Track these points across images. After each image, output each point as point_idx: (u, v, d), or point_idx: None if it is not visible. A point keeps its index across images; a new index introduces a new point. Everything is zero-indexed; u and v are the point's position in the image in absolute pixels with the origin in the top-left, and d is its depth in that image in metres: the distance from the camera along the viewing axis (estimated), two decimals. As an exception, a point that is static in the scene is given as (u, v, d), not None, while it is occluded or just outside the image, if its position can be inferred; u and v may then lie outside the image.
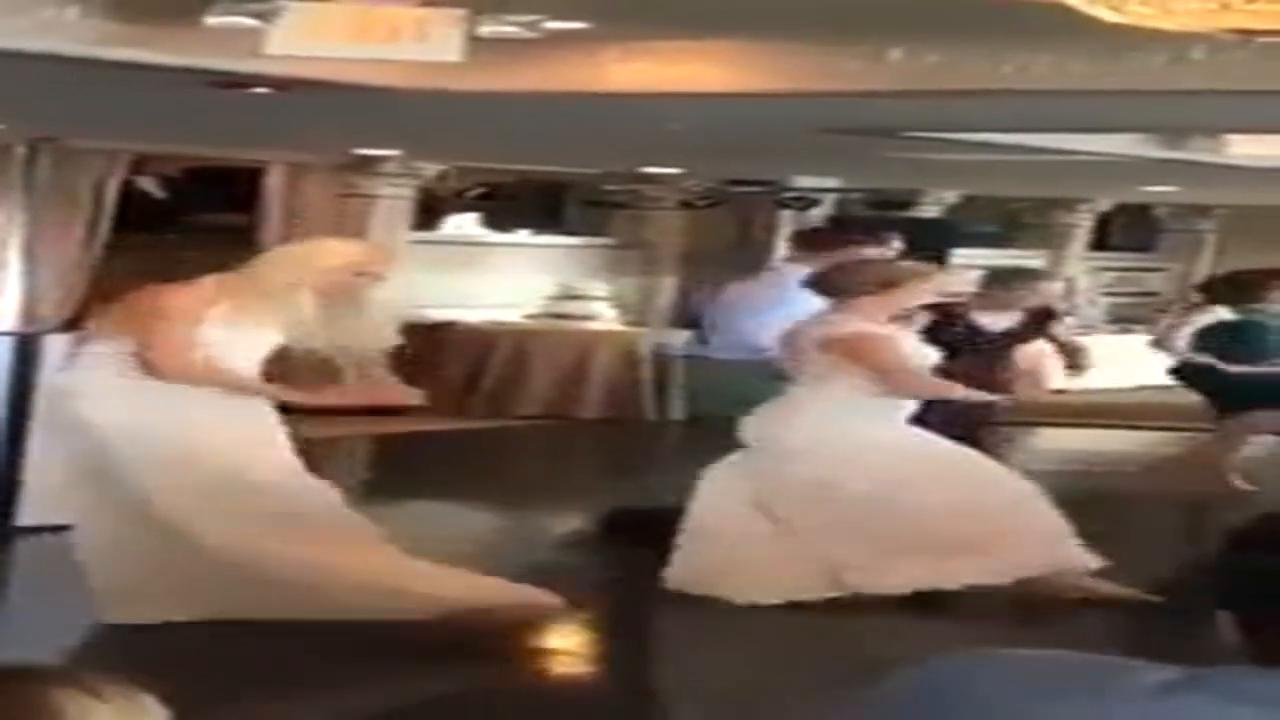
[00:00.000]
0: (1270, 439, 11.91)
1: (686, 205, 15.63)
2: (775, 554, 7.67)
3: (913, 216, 16.70)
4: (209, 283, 6.83)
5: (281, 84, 7.44)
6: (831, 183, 15.66)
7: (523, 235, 16.36)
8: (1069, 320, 14.46)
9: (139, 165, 14.14)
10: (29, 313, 12.92)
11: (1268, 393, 11.14)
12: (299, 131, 11.40)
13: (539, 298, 15.56)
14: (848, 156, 12.17)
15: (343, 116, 9.70)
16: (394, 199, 14.29)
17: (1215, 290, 11.92)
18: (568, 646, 7.17)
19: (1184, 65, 6.89)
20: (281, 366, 7.13)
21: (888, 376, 7.79)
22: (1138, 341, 17.03)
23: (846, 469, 7.69)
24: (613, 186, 15.69)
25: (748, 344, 8.99)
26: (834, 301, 8.05)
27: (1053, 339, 9.88)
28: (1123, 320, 18.23)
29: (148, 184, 15.05)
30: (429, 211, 15.21)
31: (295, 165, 14.03)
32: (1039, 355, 9.84)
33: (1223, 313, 11.43)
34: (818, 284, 8.29)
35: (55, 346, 7.83)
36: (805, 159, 13.47)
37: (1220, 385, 11.30)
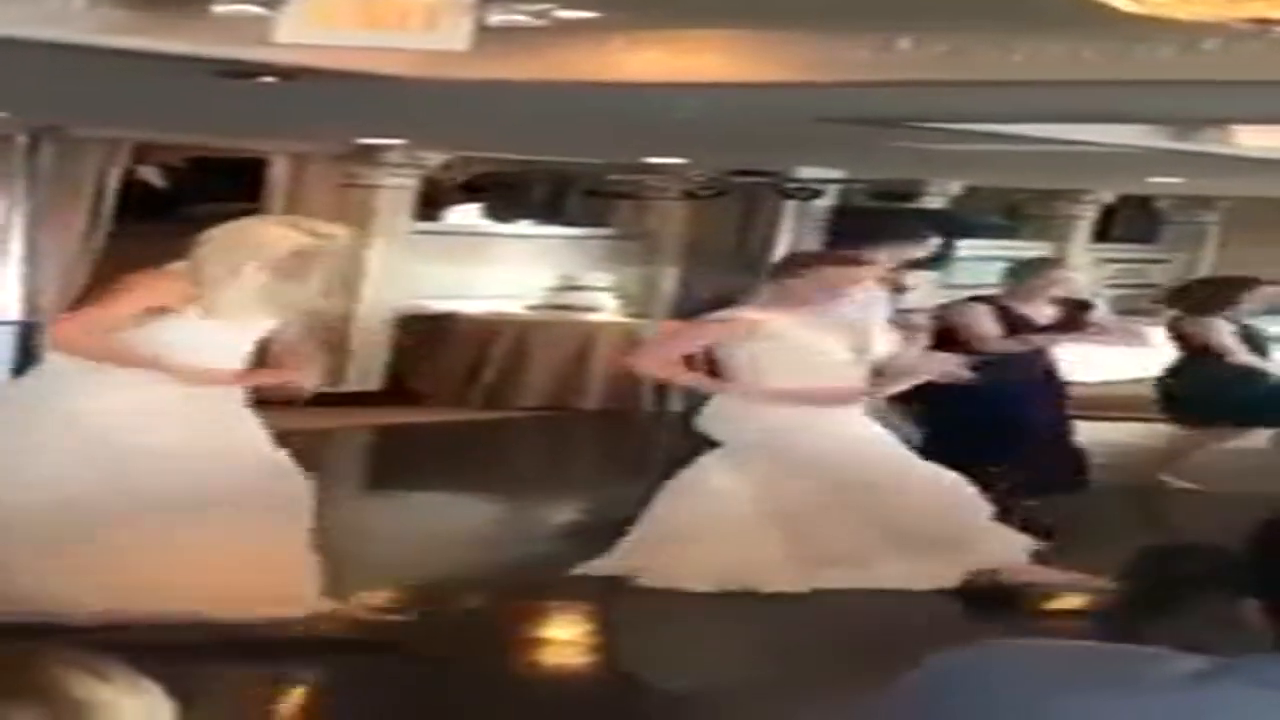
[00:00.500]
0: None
1: (690, 195, 15.61)
2: (735, 545, 7.65)
3: (916, 208, 16.68)
4: (172, 270, 6.79)
5: (288, 73, 7.41)
6: (835, 173, 15.63)
7: (524, 226, 16.33)
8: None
9: (142, 154, 14.11)
10: (31, 302, 12.90)
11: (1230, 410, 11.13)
12: (304, 120, 11.39)
13: (541, 288, 15.53)
14: (853, 146, 12.15)
15: (348, 105, 9.68)
16: (397, 189, 14.27)
17: (1179, 300, 11.90)
18: (535, 634, 7.20)
19: (1196, 55, 6.87)
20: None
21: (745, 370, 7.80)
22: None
23: (791, 461, 7.69)
24: (616, 177, 15.67)
25: None
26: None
27: (1099, 326, 10.06)
28: (1124, 313, 18.20)
29: (150, 173, 15.02)
30: (431, 202, 15.18)
31: (299, 155, 14.01)
32: None
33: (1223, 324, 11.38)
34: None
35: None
36: (810, 149, 13.45)
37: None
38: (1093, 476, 10.12)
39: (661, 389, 14.25)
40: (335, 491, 11.20)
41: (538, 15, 6.60)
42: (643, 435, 13.62)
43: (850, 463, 7.69)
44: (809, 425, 7.67)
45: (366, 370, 14.31)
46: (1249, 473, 10.83)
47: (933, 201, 16.98)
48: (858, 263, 8.26)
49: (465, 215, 16.29)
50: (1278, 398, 11.29)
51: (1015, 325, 9.70)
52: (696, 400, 9.34)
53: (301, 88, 7.88)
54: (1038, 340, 9.70)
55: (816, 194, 15.53)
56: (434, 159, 14.37)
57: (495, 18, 6.51)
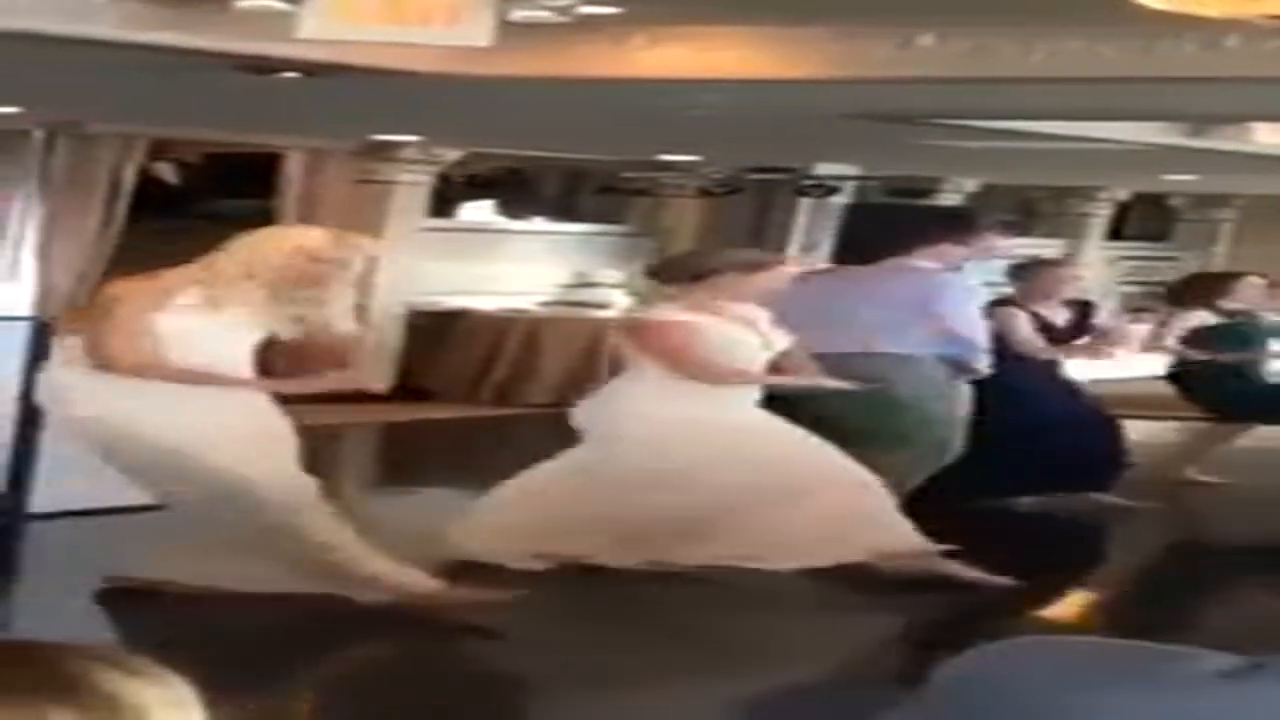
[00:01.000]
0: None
1: (705, 193, 15.60)
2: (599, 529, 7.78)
3: (931, 205, 16.68)
4: (171, 275, 6.79)
5: (310, 68, 7.41)
6: (851, 170, 15.62)
7: (538, 222, 16.33)
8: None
9: (158, 150, 14.12)
10: (45, 297, 12.92)
11: (1255, 405, 11.12)
12: (324, 116, 11.39)
13: (554, 285, 15.53)
14: (869, 143, 12.15)
15: (369, 101, 9.68)
16: (411, 185, 14.27)
17: (1181, 294, 11.88)
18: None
19: (1217, 52, 6.87)
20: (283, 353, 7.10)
21: (679, 364, 7.85)
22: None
23: (664, 451, 7.76)
24: (630, 174, 15.66)
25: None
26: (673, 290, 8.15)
27: (1099, 330, 10.07)
28: (1138, 310, 18.19)
29: (165, 169, 15.03)
30: (445, 198, 15.19)
31: (314, 151, 14.02)
32: None
33: (1205, 315, 11.38)
34: (654, 274, 8.47)
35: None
36: (828, 146, 13.45)
37: (1211, 392, 11.22)
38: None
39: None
40: (346, 488, 11.23)
41: (560, 11, 6.60)
42: None
43: (747, 449, 7.80)
44: (697, 417, 7.78)
45: (377, 366, 14.31)
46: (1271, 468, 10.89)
47: (948, 199, 16.98)
48: (776, 264, 8.36)
49: (479, 212, 16.29)
50: (1268, 393, 11.26)
51: (1041, 329, 9.72)
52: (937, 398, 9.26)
53: (323, 83, 7.89)
54: (1068, 350, 9.70)
55: (832, 191, 15.53)
56: (449, 155, 14.37)
57: (517, 13, 6.51)
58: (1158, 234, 20.15)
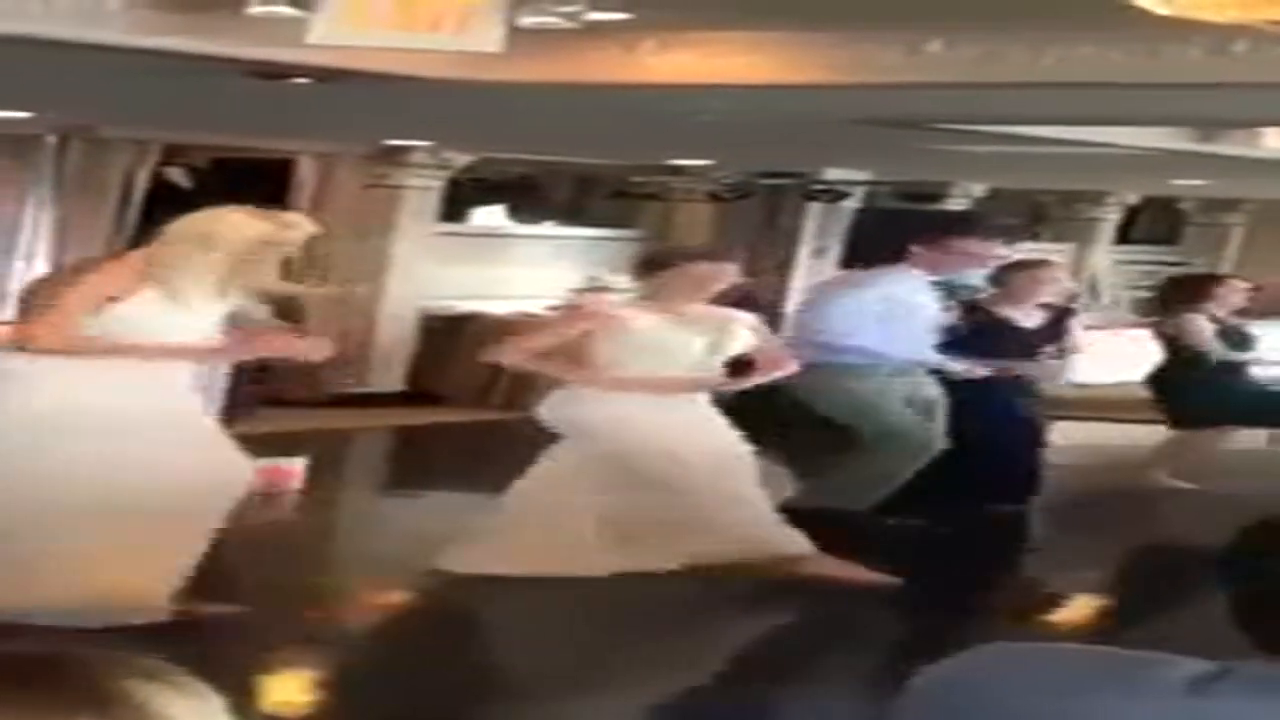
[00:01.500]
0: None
1: (714, 197, 15.61)
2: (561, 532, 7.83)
3: (940, 209, 16.69)
4: (128, 258, 6.85)
5: (321, 74, 7.44)
6: (860, 175, 15.63)
7: (548, 227, 16.35)
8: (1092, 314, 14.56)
9: (170, 155, 14.15)
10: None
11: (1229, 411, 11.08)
12: (334, 122, 11.41)
13: (564, 290, 15.54)
14: (878, 148, 12.15)
15: (379, 107, 9.70)
16: (422, 190, 14.30)
17: (1167, 298, 11.87)
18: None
19: (1226, 58, 6.87)
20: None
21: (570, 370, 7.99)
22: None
23: (634, 447, 7.84)
24: (640, 178, 15.67)
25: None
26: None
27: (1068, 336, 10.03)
28: (1147, 314, 18.18)
29: (176, 174, 15.04)
30: (456, 202, 15.21)
31: (324, 156, 14.05)
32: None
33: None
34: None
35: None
36: (837, 151, 13.45)
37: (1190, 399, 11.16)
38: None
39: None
40: (356, 491, 11.25)
41: (569, 17, 6.61)
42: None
43: (684, 452, 7.82)
44: (648, 416, 7.81)
45: (388, 371, 14.34)
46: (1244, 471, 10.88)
47: (956, 203, 16.98)
48: (723, 260, 8.37)
49: (489, 216, 16.31)
50: (1258, 396, 11.24)
51: (1000, 330, 9.64)
52: (842, 398, 9.35)
53: (333, 89, 7.91)
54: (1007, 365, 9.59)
55: (841, 196, 15.54)
56: (459, 160, 14.40)
57: (527, 19, 6.53)
58: (1167, 238, 20.13)
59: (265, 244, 6.71)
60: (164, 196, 14.07)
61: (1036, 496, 9.96)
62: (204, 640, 6.08)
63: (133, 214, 13.34)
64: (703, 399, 8.10)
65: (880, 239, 14.07)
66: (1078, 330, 10.25)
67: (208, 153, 14.93)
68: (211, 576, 6.93)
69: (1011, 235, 9.69)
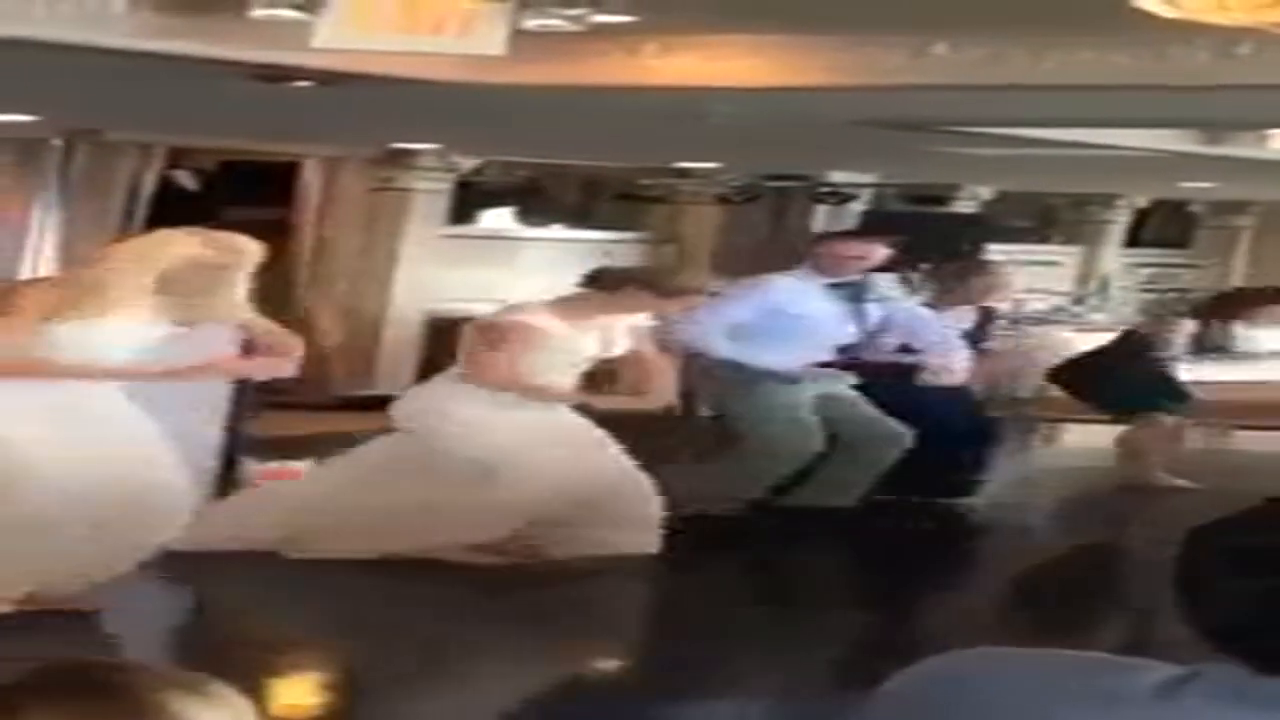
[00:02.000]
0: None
1: (722, 200, 15.61)
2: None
3: (948, 212, 16.69)
4: (60, 279, 6.85)
5: (325, 77, 7.44)
6: (868, 178, 15.63)
7: (556, 230, 16.34)
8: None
9: (176, 158, 14.16)
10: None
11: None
12: (339, 125, 11.42)
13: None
14: (885, 151, 12.15)
15: (383, 110, 9.71)
16: (429, 193, 14.30)
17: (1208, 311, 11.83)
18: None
19: (1230, 60, 6.87)
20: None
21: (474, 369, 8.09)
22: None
23: (482, 445, 7.89)
24: (647, 181, 15.67)
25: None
26: None
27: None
28: (1156, 317, 18.15)
29: (183, 177, 15.06)
30: (463, 205, 15.21)
31: (331, 159, 14.06)
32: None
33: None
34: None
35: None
36: (844, 154, 13.45)
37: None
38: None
39: (689, 393, 14.25)
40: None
41: (573, 20, 6.61)
42: (671, 438, 13.58)
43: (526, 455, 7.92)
44: (501, 419, 7.94)
45: (395, 373, 14.33)
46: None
47: (964, 206, 16.97)
48: (668, 296, 8.43)
49: (497, 219, 16.31)
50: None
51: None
52: (724, 404, 9.45)
53: (337, 92, 7.92)
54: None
55: (848, 198, 15.53)
56: (466, 163, 14.40)
57: (530, 22, 6.53)
58: (1177, 241, 20.10)
59: (202, 265, 6.65)
60: (171, 200, 14.10)
61: (975, 495, 9.97)
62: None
63: (140, 217, 13.35)
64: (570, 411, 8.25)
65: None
66: (995, 332, 10.27)
67: (213, 156, 14.95)
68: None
69: (888, 239, 9.74)
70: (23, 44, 6.83)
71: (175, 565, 7.04)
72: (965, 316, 9.81)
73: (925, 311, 9.74)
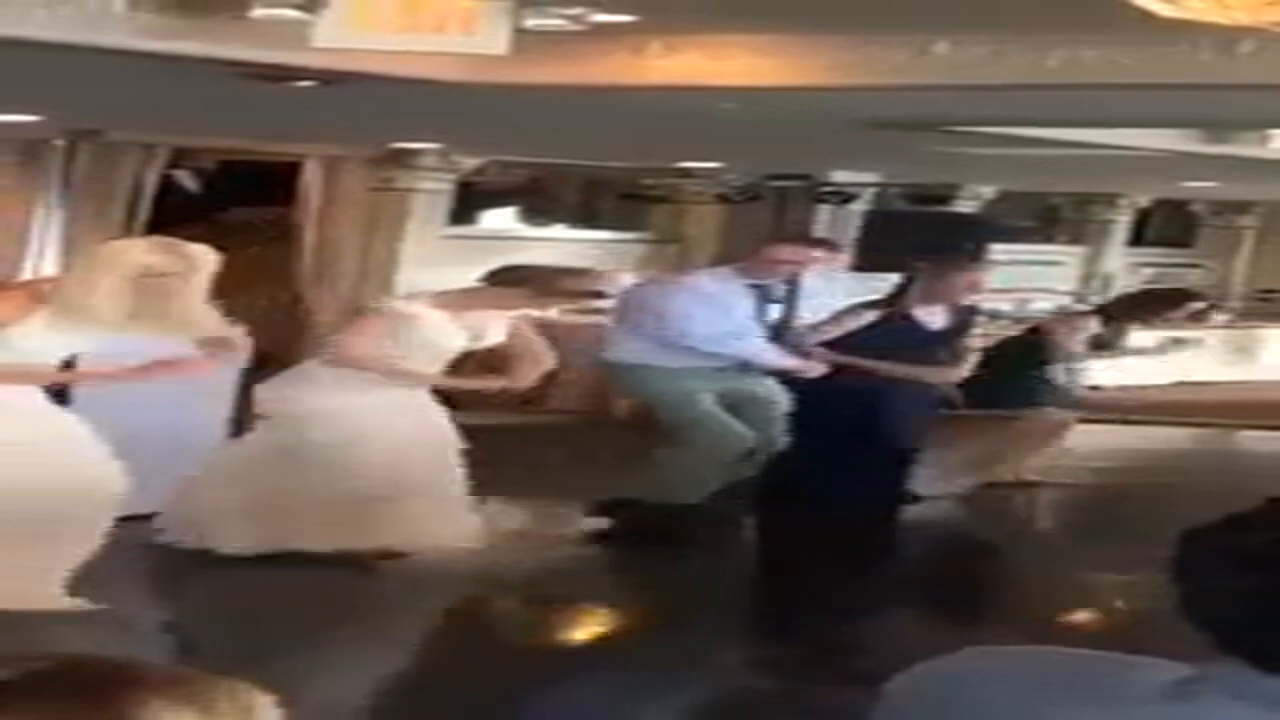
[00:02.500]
0: None
1: (724, 199, 15.60)
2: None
3: (949, 211, 16.69)
4: (19, 286, 6.96)
5: (326, 76, 7.44)
6: (870, 177, 15.62)
7: (558, 229, 16.34)
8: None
9: (178, 158, 14.16)
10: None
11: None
12: (340, 124, 11.42)
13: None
14: (887, 150, 12.15)
15: (385, 109, 9.70)
16: (430, 193, 14.30)
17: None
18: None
19: (1231, 59, 6.86)
20: None
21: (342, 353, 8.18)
22: (1173, 337, 17.14)
23: (346, 436, 7.98)
24: (650, 180, 15.67)
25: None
26: None
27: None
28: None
29: (184, 177, 15.08)
30: (466, 205, 15.21)
31: (332, 158, 14.05)
32: None
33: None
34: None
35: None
36: (846, 153, 13.44)
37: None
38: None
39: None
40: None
41: (574, 19, 6.61)
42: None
43: (378, 445, 8.01)
44: (354, 408, 8.01)
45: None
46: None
47: (967, 205, 16.96)
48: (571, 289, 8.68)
49: (499, 219, 16.30)
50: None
51: (903, 329, 9.69)
52: (649, 403, 9.50)
53: (338, 91, 7.91)
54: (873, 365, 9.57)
55: (850, 198, 15.52)
56: (468, 163, 14.39)
57: (531, 21, 6.52)
58: (1180, 240, 20.08)
59: (161, 273, 6.72)
60: (173, 200, 14.11)
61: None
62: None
63: (142, 217, 13.35)
64: (424, 394, 8.33)
65: (889, 241, 14.12)
66: (973, 333, 10.27)
67: (215, 156, 14.96)
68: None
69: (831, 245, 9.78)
70: (24, 44, 6.83)
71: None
72: (941, 314, 9.83)
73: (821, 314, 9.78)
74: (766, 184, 15.42)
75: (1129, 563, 9.76)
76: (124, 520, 7.18)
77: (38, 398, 6.88)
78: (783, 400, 9.30)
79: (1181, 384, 15.99)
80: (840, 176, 15.36)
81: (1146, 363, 14.10)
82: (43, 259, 13.13)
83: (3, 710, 1.45)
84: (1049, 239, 18.85)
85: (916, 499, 9.91)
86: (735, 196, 15.54)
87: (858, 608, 7.90)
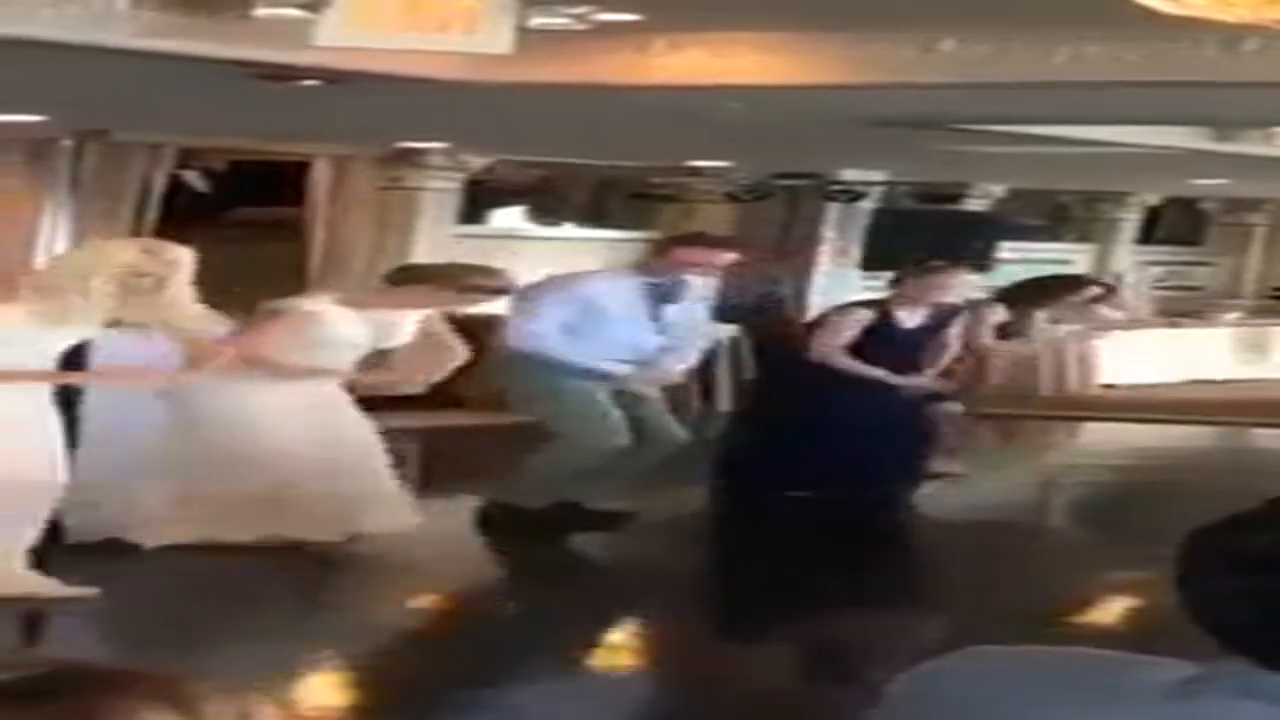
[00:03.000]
0: None
1: (732, 198, 15.59)
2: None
3: (957, 210, 16.68)
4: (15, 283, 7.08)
5: (329, 76, 7.45)
6: (878, 175, 15.61)
7: (567, 228, 16.34)
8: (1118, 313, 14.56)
9: (186, 158, 14.17)
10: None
11: None
12: (345, 123, 11.42)
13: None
14: (896, 149, 12.14)
15: (389, 109, 9.71)
16: (439, 192, 14.30)
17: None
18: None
19: (1237, 57, 6.85)
20: None
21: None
22: (1185, 336, 17.15)
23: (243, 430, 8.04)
24: (658, 179, 15.66)
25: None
26: None
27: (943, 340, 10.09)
28: (1170, 314, 18.16)
29: (193, 177, 15.08)
30: (475, 204, 15.21)
31: (340, 158, 14.06)
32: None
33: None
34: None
35: (100, 340, 7.96)
36: (853, 151, 13.44)
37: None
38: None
39: (707, 391, 14.26)
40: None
41: (579, 18, 6.61)
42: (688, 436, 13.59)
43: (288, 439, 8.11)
44: (263, 404, 8.08)
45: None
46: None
47: (976, 204, 16.95)
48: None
49: (508, 218, 16.30)
50: None
51: (881, 329, 9.73)
52: (530, 401, 9.50)
53: (343, 91, 7.92)
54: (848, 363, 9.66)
55: (859, 196, 15.51)
56: (476, 162, 14.39)
57: (536, 20, 6.53)
58: (1190, 238, 20.04)
59: (137, 272, 6.81)
60: (181, 199, 14.12)
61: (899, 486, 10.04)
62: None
63: (150, 217, 13.36)
64: (333, 390, 8.39)
65: (897, 239, 14.10)
66: (954, 334, 10.27)
67: (223, 156, 14.96)
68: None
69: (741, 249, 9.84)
70: (30, 44, 6.85)
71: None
72: (920, 314, 9.87)
73: (702, 317, 9.78)
74: (774, 182, 15.42)
75: (1145, 560, 9.82)
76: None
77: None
78: (660, 400, 9.33)
79: (1194, 382, 16.00)
80: (847, 175, 15.35)
81: (1158, 361, 14.13)
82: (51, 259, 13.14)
83: None
84: (1058, 237, 18.81)
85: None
86: (744, 195, 15.53)
87: (856, 606, 7.89)
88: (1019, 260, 15.90)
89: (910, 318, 9.84)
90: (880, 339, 9.70)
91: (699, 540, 9.50)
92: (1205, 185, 16.83)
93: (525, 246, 15.62)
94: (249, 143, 13.81)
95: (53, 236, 13.12)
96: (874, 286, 10.56)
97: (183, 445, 8.10)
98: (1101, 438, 14.26)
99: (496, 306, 15.04)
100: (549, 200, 16.47)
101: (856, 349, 9.60)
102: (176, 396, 8.08)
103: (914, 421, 10.11)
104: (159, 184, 13.41)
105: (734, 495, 9.71)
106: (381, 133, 12.81)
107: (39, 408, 7.05)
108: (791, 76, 7.70)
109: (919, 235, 13.99)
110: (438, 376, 8.79)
